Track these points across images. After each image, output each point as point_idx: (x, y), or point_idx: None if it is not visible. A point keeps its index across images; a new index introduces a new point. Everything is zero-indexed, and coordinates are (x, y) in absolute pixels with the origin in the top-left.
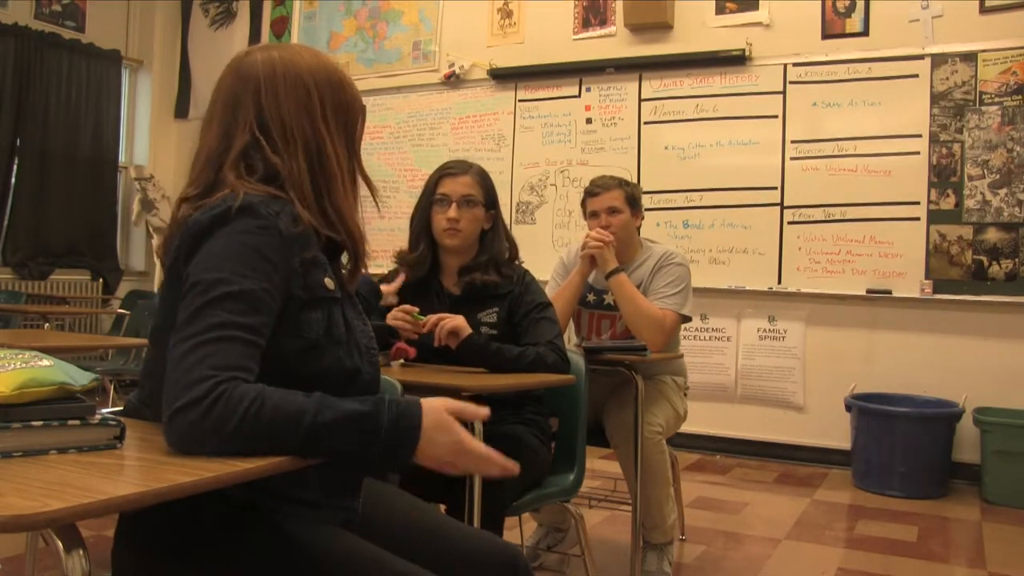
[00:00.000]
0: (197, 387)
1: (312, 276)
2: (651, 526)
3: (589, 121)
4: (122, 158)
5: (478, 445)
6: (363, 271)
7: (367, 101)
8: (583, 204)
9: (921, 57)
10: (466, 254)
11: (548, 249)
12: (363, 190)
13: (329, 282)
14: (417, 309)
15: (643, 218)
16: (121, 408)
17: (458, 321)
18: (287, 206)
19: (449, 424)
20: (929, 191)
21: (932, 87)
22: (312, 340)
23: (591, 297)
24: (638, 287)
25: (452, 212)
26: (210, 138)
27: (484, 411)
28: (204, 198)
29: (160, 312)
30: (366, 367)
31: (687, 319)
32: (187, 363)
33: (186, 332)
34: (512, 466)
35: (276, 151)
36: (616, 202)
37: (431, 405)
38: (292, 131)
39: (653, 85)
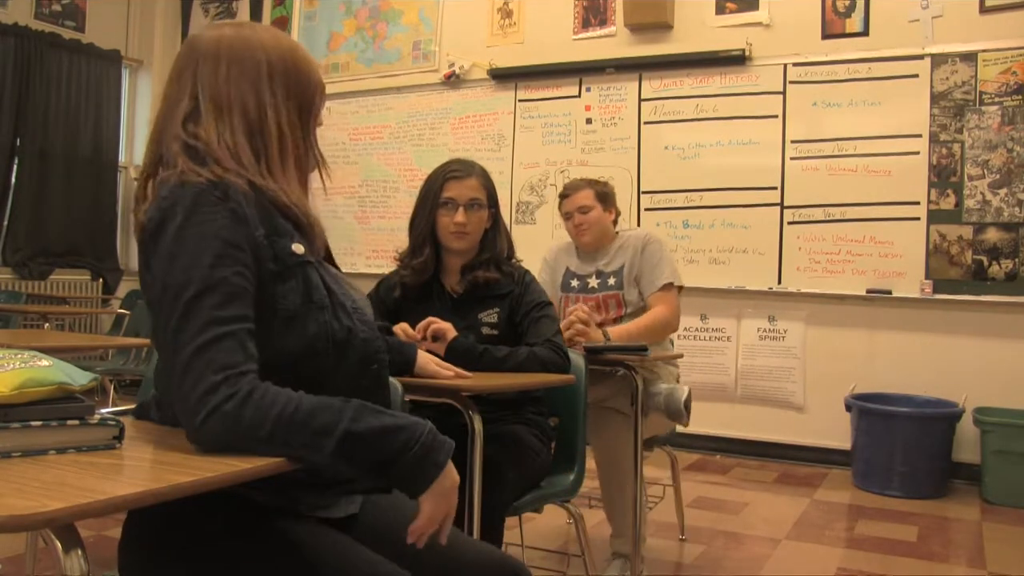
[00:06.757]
0: (213, 395)
1: (279, 245)
2: (616, 532)
3: (589, 121)
4: (122, 158)
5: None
6: (321, 247)
7: (367, 101)
8: (560, 208)
9: (921, 57)
10: (468, 253)
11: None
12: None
13: (298, 247)
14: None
15: (619, 212)
16: (122, 408)
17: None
18: (231, 183)
19: (453, 490)
20: (929, 191)
21: (932, 87)
22: (292, 310)
23: (574, 283)
24: (620, 269)
25: (460, 217)
26: (157, 113)
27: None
28: (152, 176)
29: (150, 314)
30: (358, 326)
31: (680, 286)
32: (194, 373)
33: (180, 340)
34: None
35: (210, 119)
36: (586, 201)
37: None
38: (229, 97)
39: (653, 85)
